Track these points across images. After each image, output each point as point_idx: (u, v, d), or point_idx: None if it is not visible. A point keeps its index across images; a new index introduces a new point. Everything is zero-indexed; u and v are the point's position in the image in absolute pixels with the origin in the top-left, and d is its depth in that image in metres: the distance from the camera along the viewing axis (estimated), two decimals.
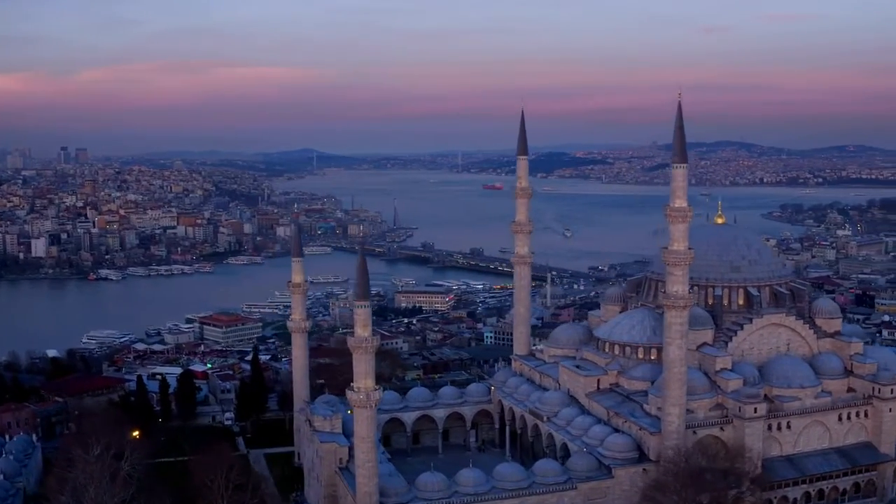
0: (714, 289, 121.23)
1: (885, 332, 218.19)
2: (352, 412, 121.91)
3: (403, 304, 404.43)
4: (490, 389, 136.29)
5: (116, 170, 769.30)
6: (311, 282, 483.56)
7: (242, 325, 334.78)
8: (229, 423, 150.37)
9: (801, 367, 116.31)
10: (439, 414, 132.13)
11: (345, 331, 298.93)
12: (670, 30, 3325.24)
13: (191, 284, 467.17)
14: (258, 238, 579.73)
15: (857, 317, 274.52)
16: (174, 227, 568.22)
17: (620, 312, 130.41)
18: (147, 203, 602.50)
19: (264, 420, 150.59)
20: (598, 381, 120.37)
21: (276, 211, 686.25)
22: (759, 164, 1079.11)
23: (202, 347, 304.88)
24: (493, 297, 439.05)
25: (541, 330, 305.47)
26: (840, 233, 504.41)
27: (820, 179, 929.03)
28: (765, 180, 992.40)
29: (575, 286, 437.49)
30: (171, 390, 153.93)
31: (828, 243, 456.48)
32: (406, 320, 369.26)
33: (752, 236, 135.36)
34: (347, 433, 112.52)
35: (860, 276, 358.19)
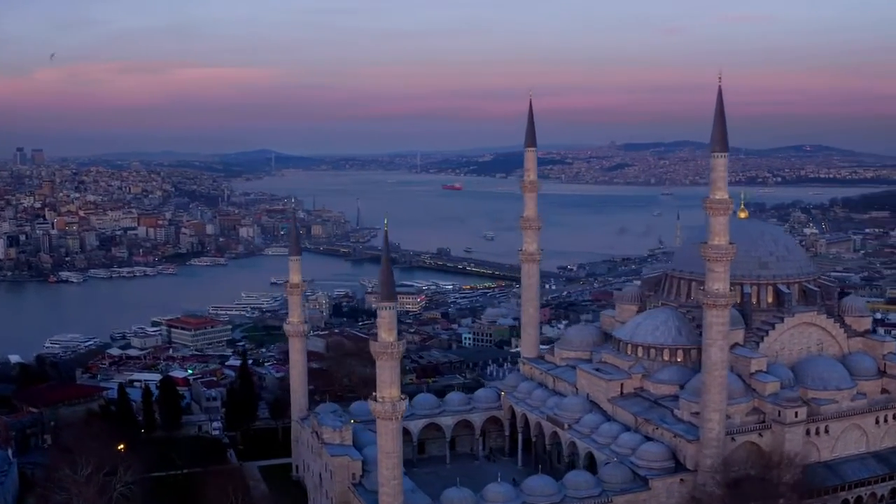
0: (742, 286, 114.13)
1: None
2: (355, 421, 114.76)
3: (374, 306, 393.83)
4: (499, 395, 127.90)
5: (74, 171, 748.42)
6: (275, 283, 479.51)
7: (212, 327, 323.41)
8: (217, 433, 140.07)
9: (836, 367, 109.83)
10: (447, 422, 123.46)
11: (338, 332, 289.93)
12: (629, 31, 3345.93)
13: (154, 286, 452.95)
14: (221, 239, 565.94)
15: None
16: (135, 229, 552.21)
17: (637, 312, 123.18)
18: (106, 204, 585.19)
19: (255, 430, 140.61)
20: (622, 385, 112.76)
21: (237, 212, 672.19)
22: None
23: (171, 351, 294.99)
24: (464, 297, 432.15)
25: (518, 330, 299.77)
26: (807, 231, 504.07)
27: (779, 179, 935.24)
28: None
29: (546, 286, 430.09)
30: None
31: (797, 242, 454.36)
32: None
33: (779, 231, 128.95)
34: (358, 445, 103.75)
35: (833, 273, 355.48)
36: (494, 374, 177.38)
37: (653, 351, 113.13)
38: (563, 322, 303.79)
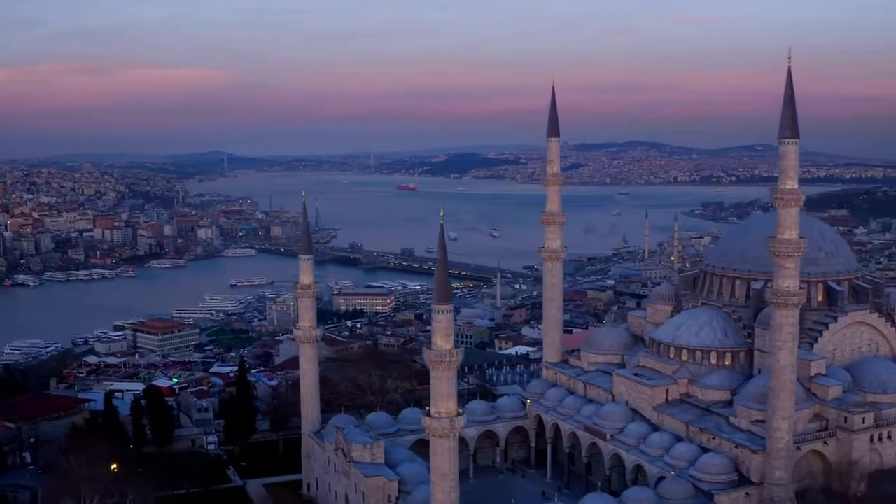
0: None
1: None
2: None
3: (343, 307, 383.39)
4: (524, 403, 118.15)
5: (25, 172, 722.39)
6: (236, 285, 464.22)
7: (179, 331, 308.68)
8: (212, 447, 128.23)
9: (893, 369, 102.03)
10: (470, 433, 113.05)
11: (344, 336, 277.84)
12: (580, 32, 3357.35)
13: (113, 289, 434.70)
14: (179, 240, 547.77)
15: None
16: (91, 230, 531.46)
17: (672, 313, 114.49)
18: (61, 205, 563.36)
19: (253, 444, 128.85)
20: (667, 391, 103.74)
21: (193, 213, 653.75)
22: (671, 164, 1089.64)
23: (136, 356, 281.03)
24: (432, 297, 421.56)
25: (496, 332, 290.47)
26: None
27: (733, 178, 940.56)
28: (678, 179, 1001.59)
29: (517, 286, 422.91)
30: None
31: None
32: (350, 323, 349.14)
33: (825, 226, 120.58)
34: (390, 463, 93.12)
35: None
36: (497, 378, 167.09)
37: (698, 354, 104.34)
38: (623, 324, 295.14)
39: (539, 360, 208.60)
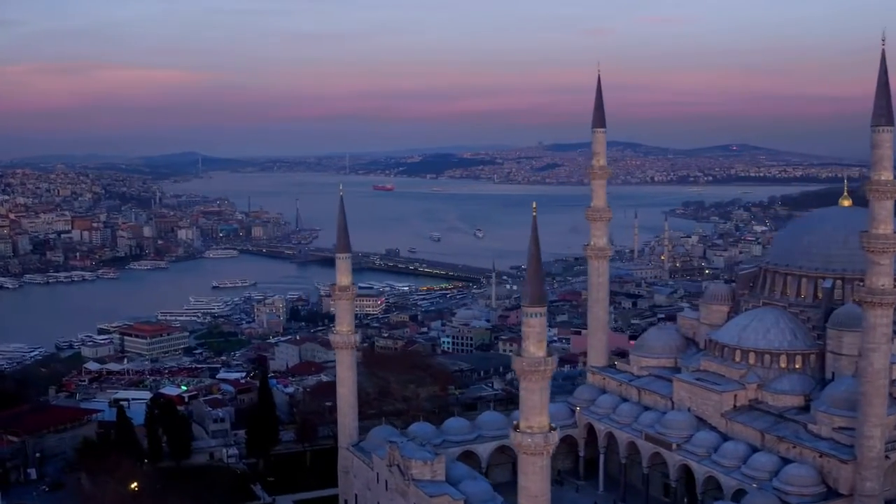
0: (854, 283, 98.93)
1: None
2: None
3: (333, 309, 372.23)
4: (573, 411, 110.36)
5: None
6: (218, 286, 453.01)
7: (168, 335, 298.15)
8: (233, 460, 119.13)
9: None
10: None
11: (308, 337, 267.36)
12: (552, 32, 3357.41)
13: (95, 292, 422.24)
14: (159, 242, 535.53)
15: None
16: (69, 232, 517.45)
17: (728, 313, 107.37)
18: (37, 207, 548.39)
19: (277, 456, 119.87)
20: (735, 396, 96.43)
21: (172, 214, 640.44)
22: (647, 163, 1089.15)
23: (125, 361, 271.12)
24: (423, 299, 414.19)
25: (496, 334, 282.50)
26: (758, 228, 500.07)
27: (710, 178, 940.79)
28: (656, 179, 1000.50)
29: (508, 286, 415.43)
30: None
31: (753, 239, 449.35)
32: None
33: None
34: (450, 480, 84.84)
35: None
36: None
37: (767, 357, 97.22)
38: (672, 324, 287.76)
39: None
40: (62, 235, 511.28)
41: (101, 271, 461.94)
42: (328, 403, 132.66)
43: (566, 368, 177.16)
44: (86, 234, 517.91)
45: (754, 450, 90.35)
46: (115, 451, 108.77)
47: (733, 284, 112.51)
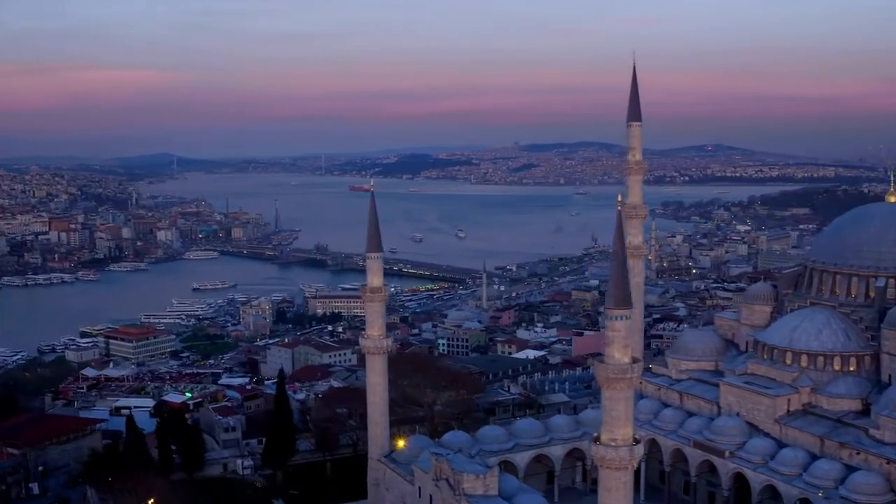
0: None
1: None
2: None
3: (320, 311, 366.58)
4: None
5: None
6: (199, 288, 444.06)
7: (154, 338, 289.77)
8: (247, 472, 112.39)
9: None
10: (556, 452, 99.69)
11: (301, 339, 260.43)
12: (528, 33, 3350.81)
13: (75, 294, 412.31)
14: (139, 243, 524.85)
15: None
16: (46, 233, 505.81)
17: (772, 314, 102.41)
18: (14, 208, 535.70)
19: (295, 467, 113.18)
20: (789, 401, 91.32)
21: (150, 215, 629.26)
22: (623, 164, 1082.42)
23: (111, 365, 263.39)
24: (410, 300, 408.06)
25: (490, 335, 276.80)
26: (741, 228, 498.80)
27: (686, 178, 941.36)
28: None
29: (494, 287, 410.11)
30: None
31: (739, 238, 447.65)
32: (330, 327, 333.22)
33: None
34: (505, 495, 78.88)
35: (788, 269, 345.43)
36: (539, 387, 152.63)
37: (820, 359, 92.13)
38: (539, 325, 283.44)
39: (556, 364, 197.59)
40: (39, 237, 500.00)
41: (80, 273, 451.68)
42: (342, 410, 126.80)
43: (577, 371, 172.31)
44: (63, 235, 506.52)
45: (813, 457, 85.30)
46: (126, 463, 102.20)
47: (774, 284, 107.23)
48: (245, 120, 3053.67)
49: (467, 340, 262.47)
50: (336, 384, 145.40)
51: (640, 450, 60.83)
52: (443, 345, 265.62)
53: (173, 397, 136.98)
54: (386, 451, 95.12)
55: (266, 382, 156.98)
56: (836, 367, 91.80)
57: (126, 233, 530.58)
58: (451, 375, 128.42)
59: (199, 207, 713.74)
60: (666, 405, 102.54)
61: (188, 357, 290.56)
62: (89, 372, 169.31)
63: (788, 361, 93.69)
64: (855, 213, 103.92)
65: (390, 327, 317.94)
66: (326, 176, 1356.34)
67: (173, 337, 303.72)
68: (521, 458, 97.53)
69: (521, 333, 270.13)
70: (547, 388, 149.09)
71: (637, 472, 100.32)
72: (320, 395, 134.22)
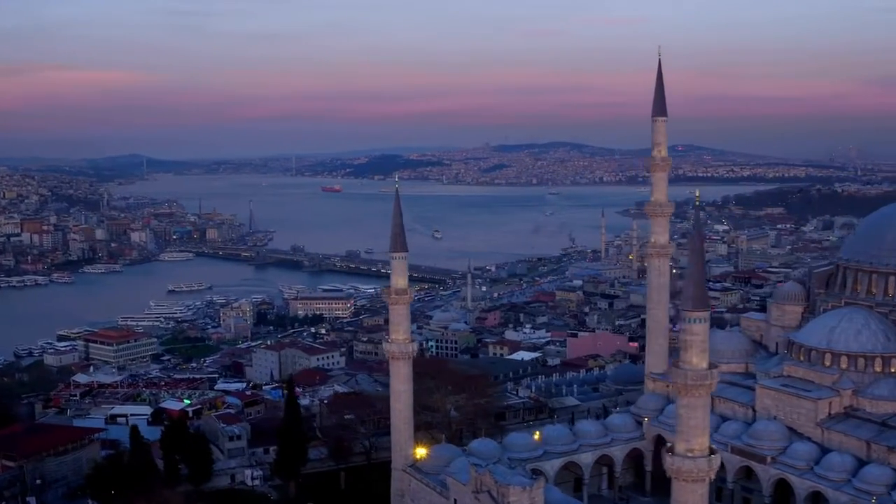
0: None
1: None
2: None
3: (301, 312, 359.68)
4: (640, 422, 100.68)
5: None
6: (174, 290, 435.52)
7: (135, 341, 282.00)
8: (257, 482, 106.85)
9: None
10: (585, 459, 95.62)
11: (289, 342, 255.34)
12: (499, 33, 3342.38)
13: (50, 297, 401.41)
14: (113, 244, 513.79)
15: None
16: (18, 235, 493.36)
17: (803, 314, 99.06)
18: None
19: (306, 476, 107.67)
20: (830, 403, 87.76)
21: (123, 216, 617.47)
22: (594, 164, 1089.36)
23: (91, 370, 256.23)
24: None
25: (478, 336, 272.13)
26: (718, 228, 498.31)
27: None
28: (604, 179, 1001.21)
29: (480, 288, 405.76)
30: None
31: (718, 238, 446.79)
32: (313, 329, 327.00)
33: None
34: None
35: (771, 269, 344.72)
36: (546, 389, 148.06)
37: (861, 361, 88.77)
38: (528, 325, 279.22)
39: (556, 365, 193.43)
40: (11, 239, 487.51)
41: (55, 275, 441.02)
42: (350, 416, 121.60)
43: (581, 373, 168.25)
44: (36, 237, 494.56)
45: (860, 461, 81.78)
46: (131, 475, 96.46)
47: (803, 282, 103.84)
48: (215, 121, 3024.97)
49: (456, 342, 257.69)
50: (341, 389, 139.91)
51: (717, 460, 56.76)
52: (431, 347, 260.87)
53: (171, 404, 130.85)
54: (410, 461, 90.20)
55: (264, 388, 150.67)
56: (878, 369, 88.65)
57: (100, 234, 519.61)
58: (464, 379, 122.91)
59: (171, 208, 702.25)
60: None
61: (169, 360, 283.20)
62: (81, 378, 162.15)
63: (827, 363, 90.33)
64: (886, 211, 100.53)
65: (374, 329, 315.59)
66: (297, 177, 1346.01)
67: (154, 340, 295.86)
68: (552, 466, 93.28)
69: (510, 335, 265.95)
70: (553, 390, 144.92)
71: (662, 479, 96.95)
72: (325, 401, 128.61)
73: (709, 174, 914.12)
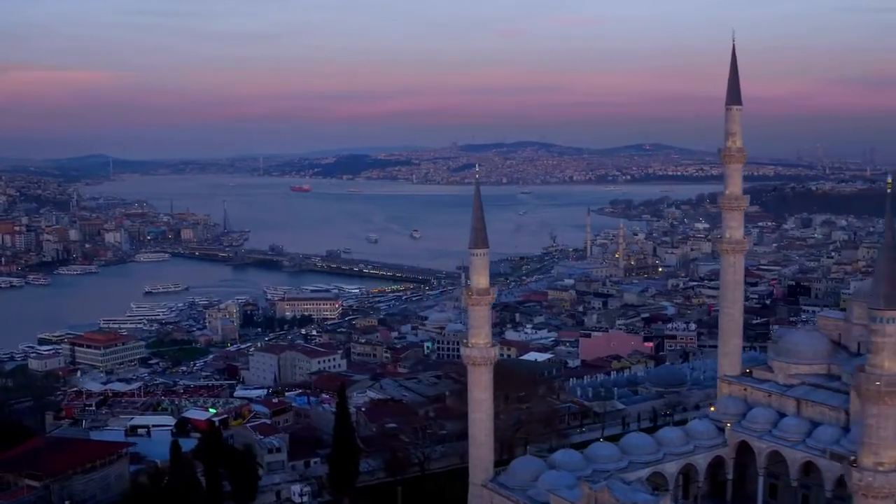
0: None
1: None
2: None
3: (288, 313, 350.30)
4: (721, 428, 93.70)
5: None
6: (150, 291, 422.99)
7: (123, 344, 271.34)
8: (304, 499, 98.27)
9: None
10: (671, 469, 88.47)
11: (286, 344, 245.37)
12: (465, 33, 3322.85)
13: (26, 299, 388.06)
14: (87, 245, 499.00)
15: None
16: None
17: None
18: None
19: (359, 491, 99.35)
20: None
21: (95, 216, 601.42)
22: (564, 163, 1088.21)
23: (78, 374, 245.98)
24: (378, 301, 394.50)
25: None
26: (699, 226, 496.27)
27: (628, 177, 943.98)
28: (575, 178, 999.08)
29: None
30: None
31: (703, 236, 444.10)
32: (303, 331, 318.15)
33: None
34: None
35: (763, 266, 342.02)
36: (582, 393, 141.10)
37: None
38: (528, 326, 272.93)
39: (576, 367, 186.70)
40: None
41: (30, 277, 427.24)
42: (391, 425, 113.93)
43: (612, 375, 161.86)
44: (8, 238, 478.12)
45: None
46: (173, 494, 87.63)
47: None
48: (180, 121, 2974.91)
49: (457, 343, 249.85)
50: (376, 395, 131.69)
51: None
52: (430, 348, 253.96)
53: (195, 413, 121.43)
54: (491, 475, 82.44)
55: (287, 394, 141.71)
56: None
57: (73, 235, 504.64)
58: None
59: (143, 209, 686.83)
60: (781, 413, 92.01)
61: (158, 364, 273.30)
62: (92, 386, 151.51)
63: None
64: None
65: (369, 330, 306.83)
66: (265, 177, 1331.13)
67: (142, 343, 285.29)
68: (637, 478, 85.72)
69: (511, 335, 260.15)
70: (591, 394, 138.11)
71: (742, 487, 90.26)
72: (363, 409, 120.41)
73: (679, 172, 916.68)
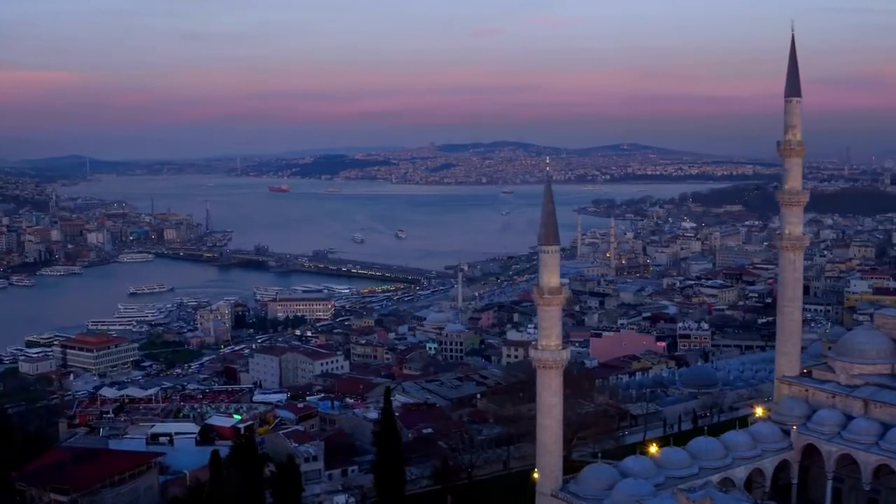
0: None
1: None
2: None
3: (281, 314, 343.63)
4: (786, 431, 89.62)
5: None
6: (135, 293, 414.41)
7: (116, 346, 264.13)
8: None
9: None
10: (739, 474, 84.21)
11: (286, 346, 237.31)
12: (440, 33, 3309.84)
13: (10, 301, 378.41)
14: (69, 246, 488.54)
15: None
16: None
17: None
18: None
19: (408, 500, 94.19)
20: None
21: (76, 217, 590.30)
22: (542, 163, 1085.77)
23: (71, 377, 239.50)
24: (371, 301, 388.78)
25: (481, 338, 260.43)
26: (685, 225, 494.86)
27: (608, 176, 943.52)
28: (554, 178, 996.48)
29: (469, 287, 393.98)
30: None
31: (692, 235, 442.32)
32: (297, 332, 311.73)
33: None
34: None
35: (758, 265, 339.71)
36: (612, 394, 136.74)
37: None
38: (529, 326, 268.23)
39: (596, 367, 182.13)
40: None
41: (14, 278, 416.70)
42: (428, 430, 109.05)
43: (637, 375, 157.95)
44: None
45: None
46: None
47: None
48: (158, 121, 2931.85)
49: (461, 344, 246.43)
50: (406, 399, 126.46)
51: None
52: (432, 349, 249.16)
53: (219, 420, 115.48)
54: (560, 485, 77.64)
55: (308, 398, 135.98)
56: None
57: (55, 235, 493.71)
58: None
59: (123, 209, 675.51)
60: (847, 415, 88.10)
61: (151, 366, 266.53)
62: (107, 392, 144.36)
63: None
64: None
65: (366, 331, 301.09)
66: (243, 177, 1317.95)
67: (135, 345, 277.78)
68: (707, 484, 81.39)
69: (513, 335, 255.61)
70: (621, 394, 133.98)
71: (806, 492, 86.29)
72: (397, 414, 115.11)
73: (658, 172, 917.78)
